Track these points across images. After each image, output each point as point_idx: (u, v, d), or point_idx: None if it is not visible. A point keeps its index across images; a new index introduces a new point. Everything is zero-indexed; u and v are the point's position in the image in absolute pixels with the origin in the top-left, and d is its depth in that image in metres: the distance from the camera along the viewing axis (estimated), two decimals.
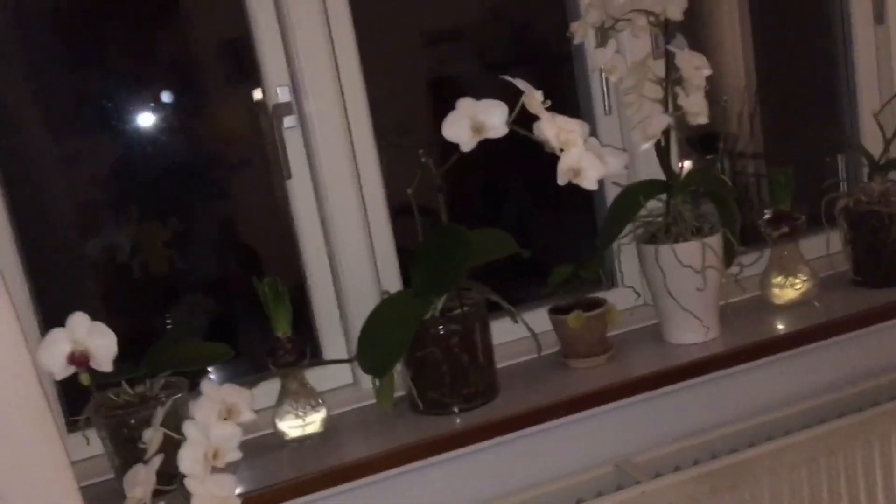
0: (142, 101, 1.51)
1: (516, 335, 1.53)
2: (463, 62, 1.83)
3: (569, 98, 1.68)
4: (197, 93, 1.59)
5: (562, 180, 1.17)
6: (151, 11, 1.55)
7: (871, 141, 1.68)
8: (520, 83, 1.18)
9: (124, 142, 1.51)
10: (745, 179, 1.95)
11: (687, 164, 1.81)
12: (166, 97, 1.52)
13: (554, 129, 1.17)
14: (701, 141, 1.75)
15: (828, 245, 1.61)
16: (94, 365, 1.06)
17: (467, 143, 1.18)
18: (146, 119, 1.51)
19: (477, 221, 1.72)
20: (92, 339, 1.06)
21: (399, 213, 1.51)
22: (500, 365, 1.44)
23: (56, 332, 1.07)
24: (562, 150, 1.19)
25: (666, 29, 1.42)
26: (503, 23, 1.86)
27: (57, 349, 1.06)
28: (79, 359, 1.05)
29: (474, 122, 1.18)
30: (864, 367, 1.60)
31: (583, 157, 1.17)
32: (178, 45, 1.59)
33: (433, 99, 1.76)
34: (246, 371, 1.53)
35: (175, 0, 1.58)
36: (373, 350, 1.32)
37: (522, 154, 1.33)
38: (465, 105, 1.18)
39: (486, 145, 1.21)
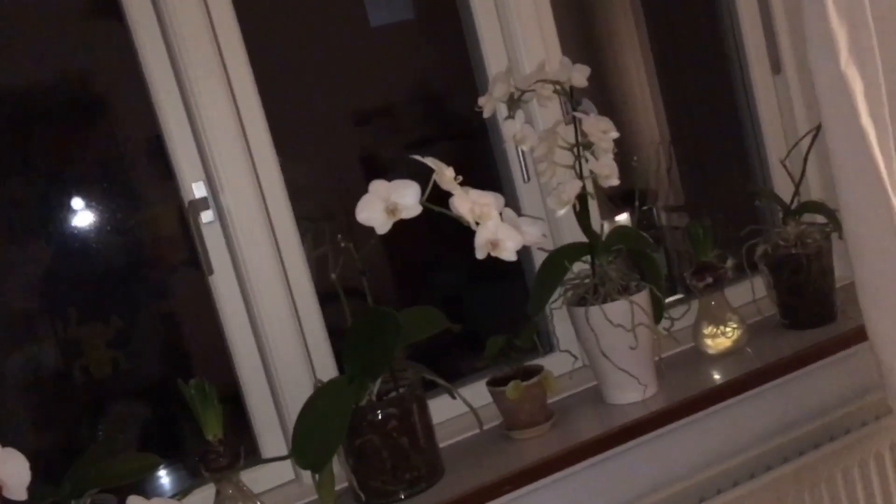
0: (71, 203, 1.50)
1: (457, 411, 1.51)
2: (388, 140, 1.85)
3: (488, 168, 1.71)
4: (127, 192, 1.58)
5: (480, 254, 1.18)
6: (76, 114, 1.55)
7: (783, 185, 1.73)
8: (429, 161, 1.19)
9: (56, 247, 1.49)
10: (677, 233, 1.98)
11: (623, 217, 1.85)
12: (96, 198, 1.52)
13: (467, 203, 1.18)
14: (625, 196, 1.79)
15: (753, 291, 1.64)
16: (6, 494, 1.01)
17: (382, 225, 1.18)
18: (78, 221, 1.50)
19: (410, 297, 1.71)
20: (3, 466, 1.00)
21: (329, 297, 1.49)
22: (443, 444, 1.42)
23: None
24: (478, 224, 1.19)
25: (571, 96, 1.46)
26: (424, 100, 1.89)
27: None
28: None
29: (388, 203, 1.18)
30: (803, 409, 1.61)
31: (499, 229, 1.17)
32: (105, 145, 1.58)
33: (362, 178, 1.77)
34: (193, 475, 1.48)
35: (99, 101, 1.58)
36: (308, 444, 1.28)
37: (451, 226, 1.34)
38: (377, 187, 1.18)
39: (414, 219, 1.21)
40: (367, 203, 1.18)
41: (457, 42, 1.65)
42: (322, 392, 1.34)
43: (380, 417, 1.30)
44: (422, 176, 1.21)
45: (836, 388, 1.62)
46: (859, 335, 1.51)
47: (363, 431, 1.30)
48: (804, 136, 1.66)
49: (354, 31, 1.78)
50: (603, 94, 1.90)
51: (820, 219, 1.64)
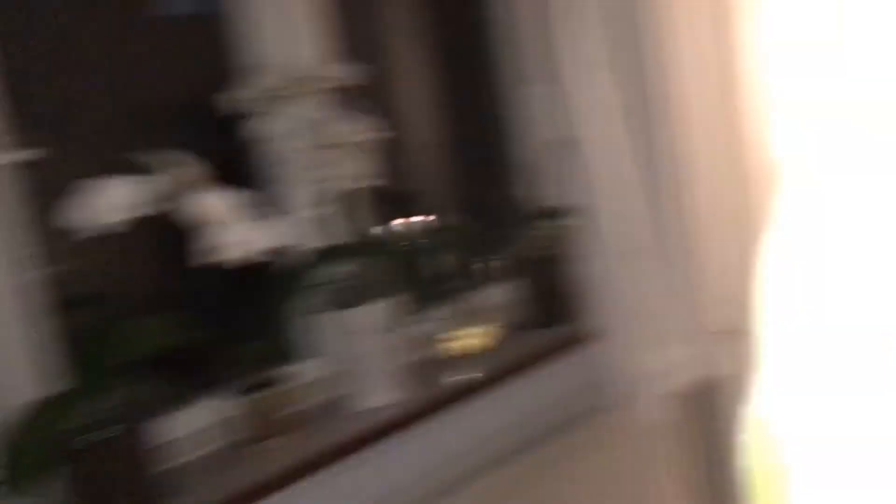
0: None
1: (201, 424, 1.42)
2: (144, 140, 1.71)
3: (245, 168, 1.63)
4: None
5: (204, 258, 1.11)
6: None
7: (535, 192, 1.80)
8: (168, 160, 1.11)
9: None
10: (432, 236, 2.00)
11: (394, 222, 1.84)
12: None
13: (205, 205, 1.11)
14: (389, 199, 1.77)
15: (501, 294, 1.69)
16: None
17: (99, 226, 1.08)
18: None
19: (159, 303, 1.60)
20: None
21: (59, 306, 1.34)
22: (185, 459, 1.34)
23: None
24: (214, 226, 1.13)
25: (338, 95, 1.43)
26: (184, 97, 1.77)
27: None
28: None
29: (104, 204, 1.08)
30: (538, 407, 1.66)
31: (227, 233, 1.11)
32: None
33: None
34: None
35: None
36: (13, 472, 1.14)
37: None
38: (90, 187, 1.08)
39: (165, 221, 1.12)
40: (80, 204, 1.07)
41: (227, 37, 1.56)
42: (27, 414, 1.19)
43: (98, 441, 1.17)
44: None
45: (574, 384, 1.71)
46: (596, 334, 1.61)
47: (78, 457, 1.17)
48: (552, 145, 1.73)
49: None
50: (371, 95, 1.88)
51: (565, 224, 1.72)
